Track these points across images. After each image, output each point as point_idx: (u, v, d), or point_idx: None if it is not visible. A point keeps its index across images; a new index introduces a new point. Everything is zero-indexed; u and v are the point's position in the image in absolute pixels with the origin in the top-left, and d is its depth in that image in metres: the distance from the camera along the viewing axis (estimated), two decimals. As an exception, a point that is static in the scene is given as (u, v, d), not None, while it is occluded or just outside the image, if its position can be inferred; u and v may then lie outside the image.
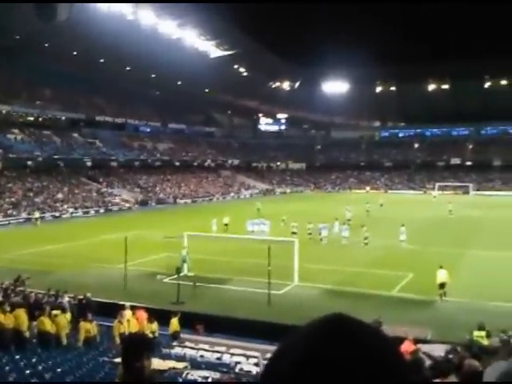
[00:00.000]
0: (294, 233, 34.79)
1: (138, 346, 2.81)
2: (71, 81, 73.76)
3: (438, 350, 13.69)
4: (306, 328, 0.87)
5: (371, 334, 0.86)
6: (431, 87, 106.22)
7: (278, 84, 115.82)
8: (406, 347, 13.38)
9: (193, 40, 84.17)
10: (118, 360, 13.47)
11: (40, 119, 74.63)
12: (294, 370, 0.81)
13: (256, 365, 13.69)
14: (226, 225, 39.24)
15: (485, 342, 14.16)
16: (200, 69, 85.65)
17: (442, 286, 20.27)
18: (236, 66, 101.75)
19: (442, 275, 20.46)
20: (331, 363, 0.79)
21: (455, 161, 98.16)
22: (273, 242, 23.87)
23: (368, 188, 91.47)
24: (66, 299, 18.37)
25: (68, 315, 16.07)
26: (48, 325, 14.75)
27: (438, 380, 11.15)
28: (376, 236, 34.76)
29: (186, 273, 24.86)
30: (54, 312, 15.48)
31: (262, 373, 0.88)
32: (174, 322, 16.83)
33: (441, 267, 20.92)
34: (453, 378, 9.95)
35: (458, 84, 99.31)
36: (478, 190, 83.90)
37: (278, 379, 0.84)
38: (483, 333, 14.56)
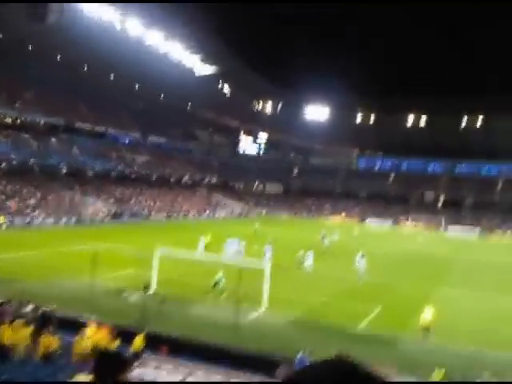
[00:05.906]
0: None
1: (111, 365, 2.71)
2: (53, 85, 73.04)
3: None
4: (319, 371, 1.02)
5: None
6: (410, 120, 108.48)
7: (260, 105, 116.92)
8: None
9: (179, 54, 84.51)
10: (77, 377, 13.14)
11: (18, 121, 73.50)
12: None
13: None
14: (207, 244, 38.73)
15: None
16: (184, 84, 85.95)
17: (426, 327, 20.27)
18: (220, 86, 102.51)
19: (427, 315, 20.51)
20: None
21: (429, 195, 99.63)
22: (244, 266, 23.71)
23: (343, 214, 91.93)
24: (28, 310, 17.88)
25: (30, 327, 15.60)
26: (7, 336, 14.31)
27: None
28: (343, 266, 34.83)
29: (222, 296, 24.47)
30: (16, 323, 15.05)
31: None
32: (138, 341, 16.53)
33: (427, 307, 20.99)
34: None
35: (436, 119, 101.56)
36: (449, 225, 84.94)
37: None
38: (442, 371, 14.76)
